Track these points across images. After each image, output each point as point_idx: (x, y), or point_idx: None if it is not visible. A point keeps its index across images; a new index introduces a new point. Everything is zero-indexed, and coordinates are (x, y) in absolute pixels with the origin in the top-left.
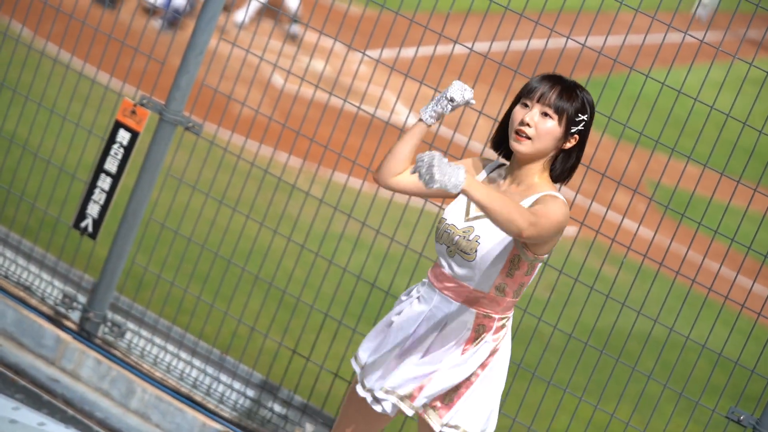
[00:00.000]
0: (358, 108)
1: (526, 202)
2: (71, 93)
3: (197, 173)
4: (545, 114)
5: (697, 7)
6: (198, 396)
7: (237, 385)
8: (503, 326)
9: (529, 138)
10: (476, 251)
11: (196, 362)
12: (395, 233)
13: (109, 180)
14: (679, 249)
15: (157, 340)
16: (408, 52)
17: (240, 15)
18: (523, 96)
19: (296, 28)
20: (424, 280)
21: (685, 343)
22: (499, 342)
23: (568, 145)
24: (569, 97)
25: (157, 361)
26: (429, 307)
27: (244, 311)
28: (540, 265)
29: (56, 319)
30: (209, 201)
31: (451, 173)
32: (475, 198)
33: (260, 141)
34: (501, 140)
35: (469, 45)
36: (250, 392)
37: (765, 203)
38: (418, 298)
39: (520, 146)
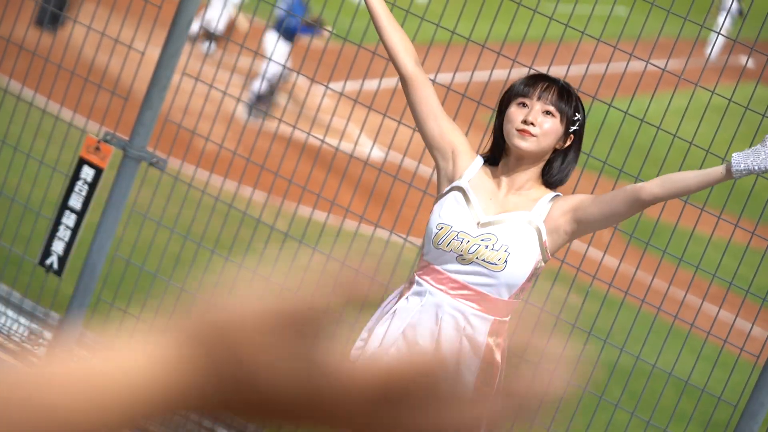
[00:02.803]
0: (322, 141)
1: (537, 211)
2: (35, 130)
3: (162, 209)
4: (547, 112)
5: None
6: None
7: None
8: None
9: (533, 135)
10: (506, 261)
11: None
12: (361, 266)
13: (73, 217)
14: (645, 277)
15: None
16: (371, 84)
17: (203, 48)
18: (519, 95)
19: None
20: (416, 287)
21: (651, 371)
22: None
23: (564, 145)
24: (567, 96)
25: None
26: (442, 314)
27: None
28: None
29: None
30: (174, 236)
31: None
32: None
33: (224, 176)
34: (494, 155)
35: (432, 76)
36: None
37: (729, 230)
38: (421, 305)
39: (524, 143)
